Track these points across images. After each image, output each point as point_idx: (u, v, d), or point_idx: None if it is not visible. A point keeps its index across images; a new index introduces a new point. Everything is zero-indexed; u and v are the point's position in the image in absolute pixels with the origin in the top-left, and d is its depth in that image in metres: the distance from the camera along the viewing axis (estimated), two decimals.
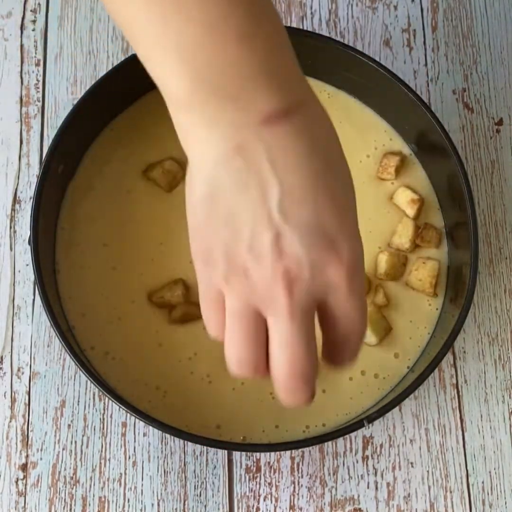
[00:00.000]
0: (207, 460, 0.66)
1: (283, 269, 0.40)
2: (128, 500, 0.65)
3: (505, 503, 0.67)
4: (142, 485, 0.66)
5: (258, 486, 0.66)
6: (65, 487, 0.65)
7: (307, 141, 0.40)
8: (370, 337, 0.65)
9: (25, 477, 0.66)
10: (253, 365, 0.42)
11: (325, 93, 0.71)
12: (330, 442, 0.67)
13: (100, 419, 0.67)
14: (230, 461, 0.67)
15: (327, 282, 0.41)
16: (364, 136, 0.71)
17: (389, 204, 0.69)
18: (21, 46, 0.76)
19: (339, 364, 0.46)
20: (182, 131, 0.41)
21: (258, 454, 0.66)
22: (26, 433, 0.66)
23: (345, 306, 0.42)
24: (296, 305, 0.40)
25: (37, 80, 0.75)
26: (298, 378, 0.42)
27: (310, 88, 0.42)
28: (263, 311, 0.41)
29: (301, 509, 0.66)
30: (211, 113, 0.39)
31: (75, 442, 0.66)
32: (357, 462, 0.67)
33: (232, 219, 0.40)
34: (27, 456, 0.66)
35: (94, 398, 0.67)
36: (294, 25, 0.77)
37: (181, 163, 0.68)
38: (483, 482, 0.68)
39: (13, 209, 0.72)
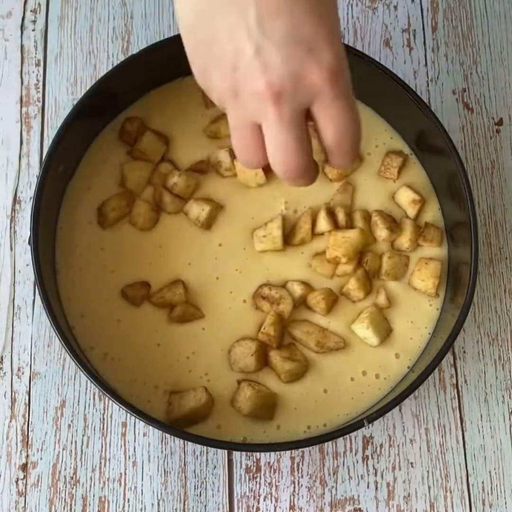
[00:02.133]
0: (207, 460, 0.66)
1: (266, 83, 0.42)
2: (128, 500, 0.65)
3: (505, 503, 0.67)
4: (142, 485, 0.66)
5: (258, 486, 0.66)
6: (65, 487, 0.65)
7: None
8: (372, 338, 0.65)
9: (25, 477, 0.66)
10: (255, 164, 0.48)
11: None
12: (330, 442, 0.67)
13: (100, 419, 0.67)
14: (230, 461, 0.67)
15: (311, 87, 0.43)
16: (365, 134, 0.70)
17: (390, 203, 0.69)
18: (21, 46, 0.76)
19: (341, 166, 0.49)
20: None
21: (258, 454, 0.67)
22: (26, 433, 0.66)
23: (332, 108, 0.44)
24: (284, 112, 0.43)
25: (37, 80, 0.75)
26: (293, 173, 0.47)
27: None
28: (258, 122, 0.45)
29: (301, 509, 0.66)
30: None
31: (75, 442, 0.66)
32: (357, 462, 0.67)
33: (216, 42, 0.43)
34: (27, 456, 0.66)
35: (94, 398, 0.67)
36: None
37: (179, 166, 0.68)
38: (483, 482, 0.68)
39: (13, 209, 0.72)
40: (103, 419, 0.67)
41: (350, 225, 0.67)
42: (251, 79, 0.43)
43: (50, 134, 0.73)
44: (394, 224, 0.68)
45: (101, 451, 0.66)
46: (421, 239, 0.68)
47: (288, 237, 0.67)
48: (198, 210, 0.66)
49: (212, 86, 0.46)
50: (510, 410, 0.69)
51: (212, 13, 0.43)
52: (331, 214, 0.67)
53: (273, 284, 0.66)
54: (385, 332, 0.66)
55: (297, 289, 0.66)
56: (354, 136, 0.47)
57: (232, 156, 0.68)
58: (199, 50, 0.45)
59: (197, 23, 0.44)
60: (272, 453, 0.67)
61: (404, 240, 0.68)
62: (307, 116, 0.46)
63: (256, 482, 0.66)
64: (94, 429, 0.67)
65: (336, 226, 0.67)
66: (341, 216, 0.67)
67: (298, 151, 0.45)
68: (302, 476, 0.67)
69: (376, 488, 0.67)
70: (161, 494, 0.66)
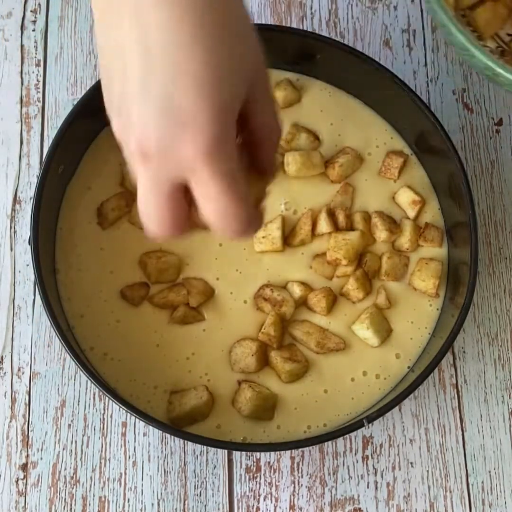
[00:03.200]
0: (207, 460, 0.66)
1: (136, 143, 0.39)
2: (128, 500, 0.66)
3: (505, 503, 0.67)
4: (142, 485, 0.66)
5: (258, 486, 0.66)
6: (65, 487, 0.65)
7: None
8: (372, 339, 0.65)
9: (25, 477, 0.66)
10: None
11: (326, 91, 0.72)
12: (330, 442, 0.67)
13: (100, 419, 0.67)
14: (230, 461, 0.67)
15: (184, 162, 0.38)
16: (366, 134, 0.71)
17: (391, 203, 0.69)
18: (22, 46, 0.76)
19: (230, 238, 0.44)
20: None
21: (258, 454, 0.67)
22: (26, 433, 0.66)
23: (209, 189, 0.40)
24: (152, 177, 0.40)
25: (38, 80, 0.75)
26: (165, 236, 0.42)
27: None
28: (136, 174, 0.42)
29: (301, 509, 0.66)
30: None
31: (75, 442, 0.66)
32: (357, 462, 0.67)
33: (111, 82, 0.40)
34: (27, 456, 0.66)
35: (94, 398, 0.67)
36: (294, 25, 0.77)
37: None
38: (483, 482, 0.68)
39: (13, 210, 0.72)
40: (103, 419, 0.67)
41: (350, 227, 0.68)
42: (127, 130, 0.39)
43: (50, 134, 0.73)
44: (393, 225, 0.68)
45: (101, 451, 0.66)
46: (422, 240, 0.68)
47: (288, 238, 0.67)
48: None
49: (111, 119, 0.42)
50: (510, 410, 0.69)
51: (111, 46, 0.39)
52: (331, 215, 0.67)
53: (274, 285, 0.66)
54: (385, 332, 0.66)
55: (297, 290, 0.66)
56: (235, 218, 0.41)
57: None
58: (102, 77, 0.42)
59: (100, 46, 0.41)
60: (272, 453, 0.67)
61: (404, 241, 0.68)
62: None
63: (256, 482, 0.66)
64: (94, 429, 0.67)
65: (336, 227, 0.67)
66: (341, 218, 0.67)
67: (169, 222, 0.41)
68: (302, 476, 0.67)
69: (376, 488, 0.67)
70: (161, 494, 0.66)
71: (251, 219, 0.42)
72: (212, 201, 0.40)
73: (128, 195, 0.67)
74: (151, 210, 0.41)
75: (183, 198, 0.41)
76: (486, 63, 0.62)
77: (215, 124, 0.38)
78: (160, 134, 0.38)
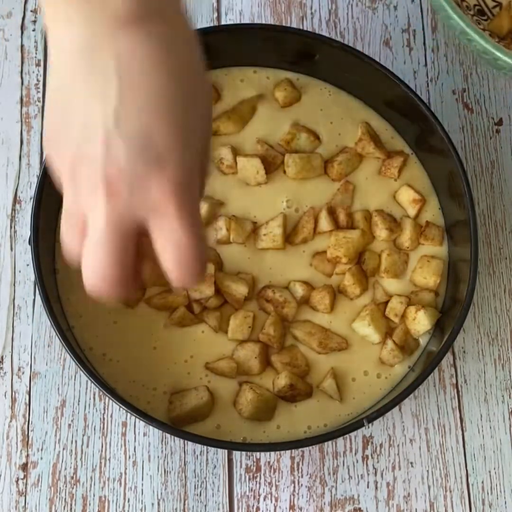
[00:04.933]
0: (207, 460, 0.66)
1: (104, 174, 0.38)
2: (128, 499, 0.66)
3: (505, 503, 0.67)
4: (142, 484, 0.66)
5: (258, 485, 0.66)
6: (66, 486, 0.65)
7: (160, 52, 0.39)
8: (373, 336, 0.65)
9: (25, 476, 0.66)
10: (73, 254, 0.43)
11: (326, 91, 0.72)
12: (330, 442, 0.67)
13: (100, 419, 0.67)
14: (230, 461, 0.67)
15: (150, 198, 0.39)
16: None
17: (391, 202, 0.70)
18: (22, 46, 0.76)
19: (183, 286, 0.43)
20: (45, 24, 0.41)
21: (258, 454, 0.67)
22: (26, 433, 0.66)
23: (172, 226, 0.40)
24: (113, 212, 0.39)
25: (38, 80, 0.75)
26: (106, 285, 0.42)
27: (179, 7, 0.42)
28: (87, 212, 0.40)
29: (301, 508, 0.66)
30: (71, 9, 0.39)
31: (76, 441, 0.66)
32: (357, 462, 0.67)
33: (70, 121, 0.40)
34: (27, 455, 0.66)
35: (94, 398, 0.67)
36: (294, 25, 0.77)
37: None
38: (483, 482, 0.68)
39: (13, 209, 0.72)
40: (103, 419, 0.67)
41: (351, 225, 0.68)
42: (92, 163, 0.39)
43: None
44: (394, 224, 0.68)
45: (101, 451, 0.66)
46: (422, 238, 0.68)
47: (290, 236, 0.67)
48: None
49: (55, 155, 0.42)
50: (510, 410, 0.69)
51: (73, 88, 0.40)
52: (332, 214, 0.67)
53: (276, 286, 0.66)
54: (385, 329, 0.66)
55: (299, 290, 0.65)
56: (197, 258, 0.41)
57: (234, 153, 0.68)
58: (53, 114, 0.42)
59: (57, 97, 0.41)
60: (272, 453, 0.67)
61: (405, 239, 0.68)
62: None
63: (256, 481, 0.66)
64: (94, 429, 0.67)
65: (337, 226, 0.67)
66: (342, 217, 0.67)
67: (116, 262, 0.40)
68: (302, 476, 0.67)
69: (376, 487, 0.67)
70: (161, 493, 0.66)
71: (206, 261, 0.42)
72: (174, 239, 0.40)
73: None
74: (101, 252, 0.40)
75: (135, 246, 0.41)
76: (485, 46, 0.63)
77: (187, 163, 0.40)
78: (133, 168, 0.38)
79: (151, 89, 0.39)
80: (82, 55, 0.39)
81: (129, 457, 0.66)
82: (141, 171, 0.39)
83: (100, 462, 0.66)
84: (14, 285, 0.70)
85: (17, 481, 0.65)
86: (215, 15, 0.78)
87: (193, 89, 0.41)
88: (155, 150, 0.39)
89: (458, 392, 0.69)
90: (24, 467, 0.66)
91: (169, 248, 0.40)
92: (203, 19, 0.78)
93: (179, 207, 0.39)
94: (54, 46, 0.41)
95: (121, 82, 0.39)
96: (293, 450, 0.66)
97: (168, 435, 0.66)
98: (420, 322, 0.65)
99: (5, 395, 0.67)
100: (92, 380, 0.59)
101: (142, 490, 0.66)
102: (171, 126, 0.39)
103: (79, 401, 0.67)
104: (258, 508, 0.66)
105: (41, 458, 0.66)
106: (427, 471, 0.67)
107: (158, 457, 0.66)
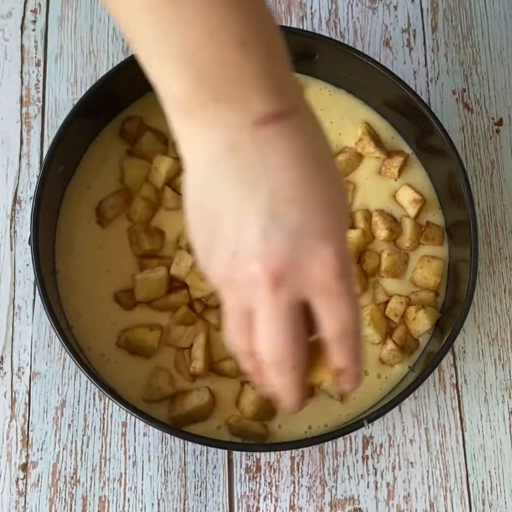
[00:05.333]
0: (207, 460, 0.66)
1: (267, 268, 0.40)
2: (128, 499, 0.66)
3: (505, 503, 0.67)
4: (142, 484, 0.66)
5: (258, 486, 0.66)
6: (66, 486, 0.65)
7: (299, 144, 0.41)
8: (374, 336, 0.65)
9: (25, 476, 0.66)
10: (244, 349, 0.44)
11: (326, 91, 0.72)
12: (330, 442, 0.67)
13: (100, 419, 0.67)
14: (230, 461, 0.67)
15: (314, 279, 0.41)
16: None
17: (391, 202, 0.69)
18: (22, 46, 0.76)
19: (346, 374, 0.45)
20: (178, 133, 0.41)
21: (258, 454, 0.67)
22: (26, 433, 0.66)
23: (335, 303, 0.42)
24: (280, 301, 0.41)
25: (38, 80, 0.75)
26: (281, 367, 0.43)
27: (303, 94, 0.43)
28: (253, 308, 0.42)
29: (301, 509, 0.66)
30: (208, 115, 0.39)
31: (75, 441, 0.66)
32: (357, 462, 0.67)
33: (220, 221, 0.41)
34: (27, 455, 0.66)
35: (94, 398, 0.67)
36: (294, 25, 0.77)
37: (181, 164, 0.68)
38: (483, 482, 0.68)
39: (13, 209, 0.72)
40: (103, 419, 0.67)
41: (351, 225, 0.68)
42: (251, 261, 0.40)
43: (50, 134, 0.73)
44: (394, 224, 0.68)
45: (101, 451, 0.66)
46: (423, 238, 0.68)
47: None
48: None
49: (211, 267, 0.43)
50: (510, 410, 0.69)
51: (220, 190, 0.40)
52: None
53: None
54: (385, 329, 0.66)
55: None
56: (357, 328, 0.43)
57: None
58: (201, 228, 0.43)
59: (202, 199, 0.42)
60: (272, 453, 0.67)
61: (405, 239, 0.68)
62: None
63: (256, 482, 0.66)
64: (94, 429, 0.67)
65: None
66: None
67: (292, 345, 0.42)
68: (302, 476, 0.67)
69: (376, 488, 0.67)
70: (161, 494, 0.66)
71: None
72: (337, 315, 0.42)
73: (126, 192, 0.67)
74: (282, 331, 0.42)
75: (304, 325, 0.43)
76: None
77: (342, 238, 0.42)
78: (296, 257, 0.40)
79: (299, 181, 0.40)
80: (222, 159, 0.40)
81: (129, 457, 0.66)
82: (303, 256, 0.40)
83: (100, 462, 0.66)
84: (14, 285, 0.70)
85: (17, 481, 0.65)
86: None
87: (332, 174, 0.43)
88: (315, 237, 0.40)
89: (458, 392, 0.69)
90: (24, 467, 0.66)
91: (332, 322, 0.43)
92: None
93: (341, 287, 0.41)
94: (188, 157, 0.42)
95: (269, 179, 0.40)
96: (293, 450, 0.66)
97: (168, 435, 0.66)
98: (420, 322, 0.65)
99: (5, 395, 0.67)
100: (92, 380, 0.59)
101: (142, 490, 0.66)
102: (324, 212, 0.41)
103: (79, 401, 0.67)
104: (258, 508, 0.66)
105: (41, 458, 0.66)
106: (427, 471, 0.67)
107: (158, 457, 0.66)
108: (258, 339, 0.43)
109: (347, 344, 0.44)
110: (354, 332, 0.44)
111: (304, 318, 0.43)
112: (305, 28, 0.77)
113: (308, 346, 0.44)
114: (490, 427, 0.69)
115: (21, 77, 0.75)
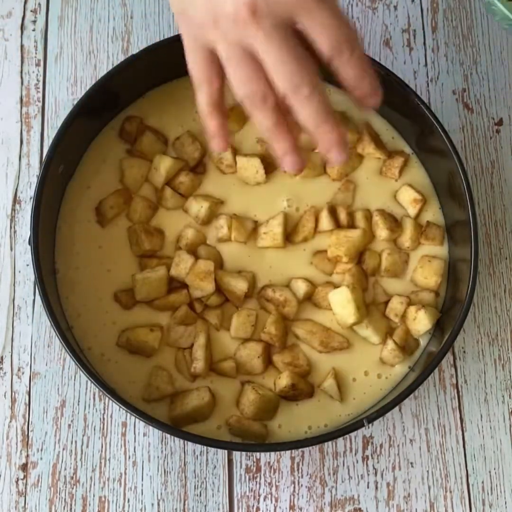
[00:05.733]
0: (207, 460, 0.66)
1: (238, 3, 0.44)
2: (128, 500, 0.65)
3: (505, 503, 0.67)
4: (142, 485, 0.66)
5: (258, 486, 0.66)
6: (65, 487, 0.65)
7: None
8: (373, 337, 0.65)
9: (25, 477, 0.66)
10: (261, 95, 0.47)
11: (326, 91, 0.71)
12: (330, 442, 0.67)
13: (100, 419, 0.67)
14: (230, 461, 0.67)
15: (289, 2, 0.44)
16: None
17: (392, 202, 0.69)
18: (21, 46, 0.76)
19: (362, 87, 0.49)
20: None
21: (258, 454, 0.67)
22: (26, 433, 0.66)
23: (319, 16, 0.45)
24: (265, 28, 0.44)
25: (37, 80, 0.75)
26: (302, 86, 0.46)
27: None
28: (248, 48, 0.45)
29: (301, 509, 0.66)
30: None
31: (75, 442, 0.66)
32: (357, 462, 0.67)
33: None
34: (27, 456, 0.66)
35: (94, 398, 0.67)
36: None
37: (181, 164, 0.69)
38: (483, 482, 0.68)
39: (13, 209, 0.72)
40: (103, 419, 0.67)
41: (351, 225, 0.68)
42: (226, 2, 0.44)
43: (50, 134, 0.73)
44: (395, 224, 0.68)
45: (101, 451, 0.66)
46: (423, 238, 0.68)
47: (291, 235, 0.67)
48: (197, 207, 0.66)
49: (192, 18, 0.47)
50: (510, 410, 0.69)
51: None
52: (333, 213, 0.67)
53: (276, 285, 0.66)
54: (385, 330, 0.66)
55: (302, 286, 0.65)
56: (349, 37, 0.46)
57: (233, 152, 0.68)
58: None
59: None
60: (272, 453, 0.67)
61: (405, 239, 0.68)
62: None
63: (256, 482, 0.66)
64: (94, 429, 0.67)
65: (338, 225, 0.67)
66: (343, 216, 0.67)
67: (298, 62, 0.45)
68: (302, 476, 0.67)
69: (376, 488, 0.67)
70: (161, 494, 0.66)
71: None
72: (324, 26, 0.45)
73: (126, 192, 0.67)
74: (288, 56, 0.45)
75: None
76: (505, 13, 0.63)
77: None
78: None
79: None
80: None
81: (129, 457, 0.66)
82: None
83: (100, 462, 0.66)
84: (14, 285, 0.70)
85: (17, 481, 0.65)
86: None
87: None
88: None
89: (458, 392, 0.69)
90: (24, 467, 0.66)
91: (323, 34, 0.46)
92: None
93: (320, 3, 0.45)
94: None
95: None
96: (293, 450, 0.66)
97: (168, 435, 0.66)
98: (421, 322, 0.65)
99: (5, 395, 0.67)
100: (92, 380, 0.58)
101: (142, 490, 0.66)
102: None
103: (79, 401, 0.67)
104: (258, 508, 0.66)
105: (41, 459, 0.66)
106: (427, 471, 0.67)
107: (158, 457, 0.66)
108: (270, 71, 0.45)
109: (345, 54, 0.46)
110: (346, 36, 0.46)
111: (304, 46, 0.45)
112: None
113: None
114: (490, 427, 0.69)
115: (21, 77, 0.75)
